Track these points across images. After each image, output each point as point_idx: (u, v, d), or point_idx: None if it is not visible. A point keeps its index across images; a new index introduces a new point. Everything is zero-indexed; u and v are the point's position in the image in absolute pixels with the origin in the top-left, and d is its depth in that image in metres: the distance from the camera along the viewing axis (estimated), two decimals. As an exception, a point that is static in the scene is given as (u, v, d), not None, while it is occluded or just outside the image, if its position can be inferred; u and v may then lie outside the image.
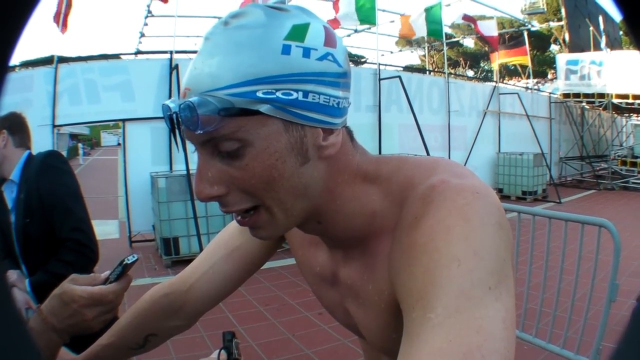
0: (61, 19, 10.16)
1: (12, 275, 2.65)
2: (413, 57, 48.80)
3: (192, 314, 1.42)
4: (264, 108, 0.79)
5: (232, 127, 0.80)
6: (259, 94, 0.79)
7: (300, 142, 0.85)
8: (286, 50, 0.80)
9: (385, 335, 1.01)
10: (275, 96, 0.80)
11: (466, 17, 17.59)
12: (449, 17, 17.28)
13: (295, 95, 0.81)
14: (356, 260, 1.03)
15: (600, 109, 21.01)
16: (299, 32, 0.82)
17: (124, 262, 1.18)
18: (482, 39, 18.86)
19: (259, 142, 0.82)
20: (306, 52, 0.82)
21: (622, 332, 0.42)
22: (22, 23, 0.42)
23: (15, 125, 2.93)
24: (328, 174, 0.92)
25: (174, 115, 0.83)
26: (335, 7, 14.65)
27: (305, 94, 0.82)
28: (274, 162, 0.83)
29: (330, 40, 0.85)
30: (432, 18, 15.40)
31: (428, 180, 0.87)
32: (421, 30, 15.69)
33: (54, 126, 9.50)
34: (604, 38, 24.34)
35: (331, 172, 0.92)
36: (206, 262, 1.38)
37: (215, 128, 0.80)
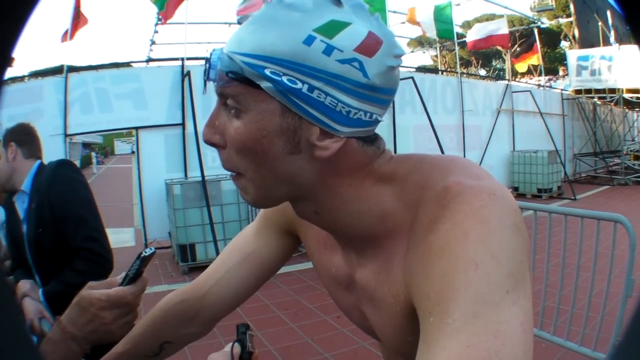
0: (69, 33, 10.19)
1: (25, 285, 2.66)
2: (425, 57, 48.77)
3: (207, 321, 1.41)
4: (265, 85, 0.81)
5: (236, 90, 0.84)
6: (267, 72, 0.81)
7: (293, 132, 0.85)
8: (309, 40, 0.80)
9: (402, 339, 1.00)
10: (280, 79, 0.81)
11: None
12: (460, 17, 17.15)
13: (300, 85, 0.81)
14: (371, 262, 1.01)
15: (612, 104, 20.87)
16: (332, 28, 0.81)
17: (142, 255, 1.17)
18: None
19: (253, 114, 0.85)
20: (328, 50, 0.80)
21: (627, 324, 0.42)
22: (20, 25, 0.42)
23: (24, 137, 2.93)
24: (325, 174, 0.91)
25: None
26: None
27: (311, 88, 0.81)
28: (260, 138, 0.85)
29: (366, 48, 0.82)
30: (443, 18, 15.36)
31: (443, 182, 0.86)
32: (431, 31, 15.64)
33: (66, 135, 9.53)
34: (612, 33, 24.21)
35: (330, 172, 0.91)
36: (221, 268, 1.37)
37: (223, 85, 0.85)
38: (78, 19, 10.31)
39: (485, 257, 0.73)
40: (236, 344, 1.09)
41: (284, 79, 0.80)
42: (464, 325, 0.69)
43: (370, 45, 0.83)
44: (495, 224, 0.77)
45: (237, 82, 0.83)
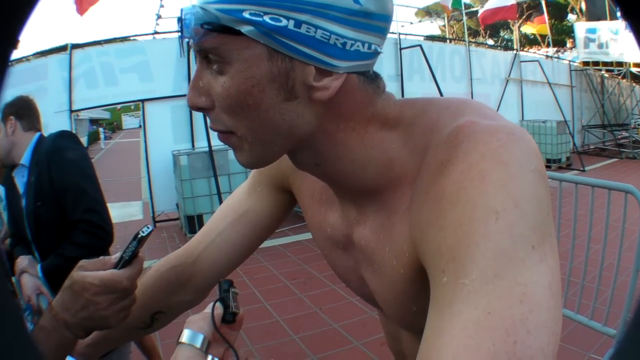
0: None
1: (24, 260, 2.66)
2: (433, 27, 48.50)
3: (200, 287, 1.33)
4: (246, 29, 0.73)
5: (215, 42, 0.75)
6: (245, 14, 0.72)
7: (285, 75, 0.76)
8: None
9: (404, 307, 0.93)
10: (261, 19, 0.72)
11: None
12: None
13: (284, 22, 0.72)
14: (371, 219, 0.93)
15: (619, 77, 20.75)
16: None
17: (139, 235, 1.08)
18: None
19: (238, 64, 0.76)
20: None
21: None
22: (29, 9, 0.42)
23: (23, 110, 2.89)
24: (325, 116, 0.82)
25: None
26: None
27: (298, 23, 0.72)
28: (250, 88, 0.76)
29: None
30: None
31: (454, 122, 0.78)
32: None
33: (72, 112, 9.50)
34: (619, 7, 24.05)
35: (329, 115, 0.82)
36: (213, 230, 1.30)
37: (200, 39, 0.76)
38: None
39: (507, 204, 0.64)
40: (218, 303, 0.99)
41: (266, 18, 0.72)
42: (484, 287, 0.61)
43: None
44: (516, 167, 0.67)
45: (214, 32, 0.74)
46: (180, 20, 0.78)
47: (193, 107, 0.84)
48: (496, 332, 0.58)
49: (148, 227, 1.09)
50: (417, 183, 0.81)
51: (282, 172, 1.20)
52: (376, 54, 0.82)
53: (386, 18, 0.80)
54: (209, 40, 0.75)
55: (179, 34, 0.81)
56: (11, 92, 2.89)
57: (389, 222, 0.89)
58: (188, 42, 0.81)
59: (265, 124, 0.80)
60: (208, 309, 0.95)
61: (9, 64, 0.43)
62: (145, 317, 1.30)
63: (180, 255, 1.34)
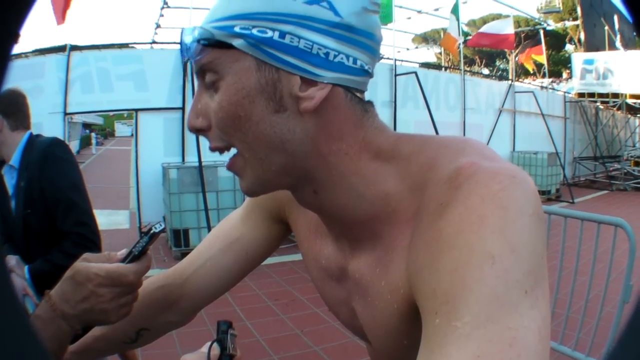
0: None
1: (11, 260, 2.61)
2: (429, 54, 48.95)
3: (188, 309, 1.33)
4: (237, 42, 0.80)
5: (210, 57, 0.82)
6: (236, 29, 0.79)
7: (273, 86, 0.81)
8: None
9: (396, 342, 0.92)
10: (250, 32, 0.79)
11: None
12: (466, 15, 17.09)
13: (270, 33, 0.78)
14: (367, 253, 0.93)
15: (615, 109, 20.91)
16: None
17: (152, 232, 1.06)
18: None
19: (230, 76, 0.82)
20: None
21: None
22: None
23: (10, 107, 2.82)
24: (317, 136, 0.84)
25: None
26: None
27: (282, 34, 0.78)
28: (241, 100, 0.81)
29: None
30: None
31: (455, 162, 0.78)
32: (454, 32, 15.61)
33: (66, 114, 9.49)
34: (618, 37, 24.29)
35: (321, 134, 0.84)
36: (204, 254, 1.30)
37: (198, 56, 0.82)
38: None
39: (503, 250, 0.65)
40: (215, 344, 0.99)
41: (254, 31, 0.78)
42: (475, 331, 0.61)
43: None
44: (515, 211, 0.68)
45: (210, 47, 0.81)
46: (181, 41, 0.85)
47: (192, 129, 0.88)
48: None
49: (161, 224, 1.08)
50: (417, 223, 0.81)
51: (278, 202, 1.21)
52: (364, 71, 0.85)
53: (370, 35, 0.84)
54: (206, 56, 0.82)
55: (182, 56, 0.86)
56: (8, 88, 2.85)
57: (386, 258, 0.89)
58: (187, 61, 0.87)
59: (257, 137, 0.83)
60: (204, 349, 0.95)
61: (10, 58, 0.44)
62: (131, 333, 1.30)
63: (169, 275, 1.33)
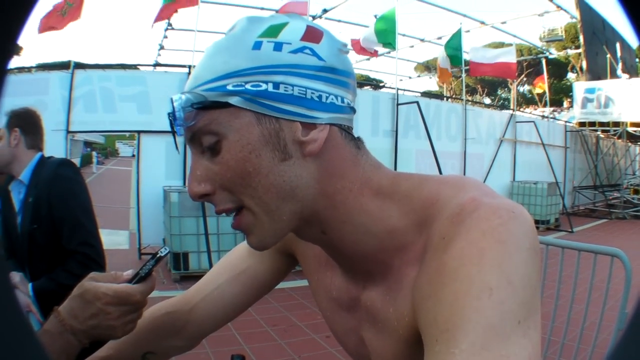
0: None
1: (15, 277, 2.64)
2: (431, 83, 49.21)
3: (194, 335, 1.37)
4: (233, 100, 0.82)
5: (206, 119, 0.83)
6: (229, 87, 0.81)
7: (276, 136, 0.83)
8: (257, 45, 0.83)
9: None
10: (244, 88, 0.81)
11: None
12: (468, 44, 17.11)
13: (264, 86, 0.81)
14: (379, 284, 0.96)
15: (615, 137, 20.94)
16: (273, 30, 0.85)
17: (158, 255, 1.13)
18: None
19: (232, 134, 0.83)
20: (277, 46, 0.83)
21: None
22: (25, 13, 0.41)
23: (29, 126, 2.91)
24: (321, 177, 0.88)
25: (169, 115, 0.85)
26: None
27: (276, 85, 0.82)
28: (247, 155, 0.83)
29: (311, 35, 0.86)
30: (452, 44, 15.36)
31: (456, 198, 0.82)
32: (446, 64, 15.65)
33: (68, 132, 9.51)
34: (620, 65, 24.36)
35: (325, 175, 0.88)
36: (211, 283, 1.34)
37: (192, 122, 0.83)
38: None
39: (500, 282, 0.70)
40: None
41: (248, 86, 0.81)
42: (471, 357, 0.66)
43: (313, 34, 0.86)
44: (513, 245, 0.73)
45: (204, 111, 0.82)
46: (170, 113, 0.84)
47: (195, 197, 0.88)
48: None
49: (166, 249, 1.14)
50: (424, 256, 0.84)
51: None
52: (350, 108, 0.91)
53: (348, 74, 0.89)
54: (201, 120, 0.83)
55: (172, 129, 0.86)
56: (12, 102, 2.91)
57: (396, 287, 0.92)
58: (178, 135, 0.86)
59: (268, 190, 0.85)
60: None
61: (8, 71, 0.44)
62: (136, 356, 1.33)
63: (176, 302, 1.38)
